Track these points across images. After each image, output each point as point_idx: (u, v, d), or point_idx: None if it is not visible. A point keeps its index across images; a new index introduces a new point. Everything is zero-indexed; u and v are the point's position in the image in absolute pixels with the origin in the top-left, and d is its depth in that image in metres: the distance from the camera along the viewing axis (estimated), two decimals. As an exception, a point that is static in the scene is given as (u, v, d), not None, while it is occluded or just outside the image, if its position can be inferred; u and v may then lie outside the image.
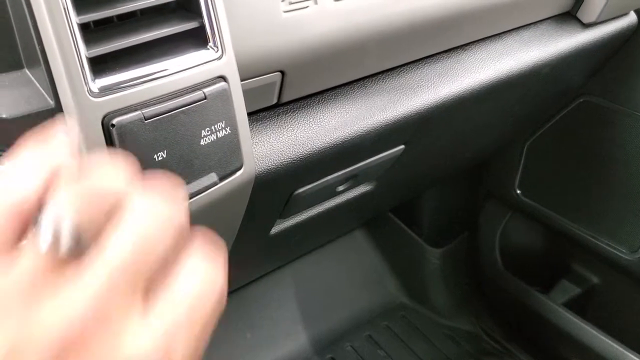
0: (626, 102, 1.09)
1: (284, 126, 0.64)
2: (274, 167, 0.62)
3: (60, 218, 0.25)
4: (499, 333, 1.42)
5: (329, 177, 0.74)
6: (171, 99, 0.45)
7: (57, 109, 0.40)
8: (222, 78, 0.49)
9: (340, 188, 0.81)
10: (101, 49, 0.42)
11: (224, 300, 0.28)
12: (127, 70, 0.43)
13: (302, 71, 0.62)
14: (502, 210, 1.39)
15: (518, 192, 1.30)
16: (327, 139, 0.65)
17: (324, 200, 0.83)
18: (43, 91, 0.40)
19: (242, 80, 0.54)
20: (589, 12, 0.92)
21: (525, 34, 0.87)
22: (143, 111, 0.43)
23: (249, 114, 0.62)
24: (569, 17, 0.93)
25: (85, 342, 0.23)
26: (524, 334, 1.39)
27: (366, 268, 1.50)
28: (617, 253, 1.16)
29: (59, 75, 0.40)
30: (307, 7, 0.58)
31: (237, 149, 0.51)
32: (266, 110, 0.64)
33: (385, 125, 0.70)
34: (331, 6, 0.60)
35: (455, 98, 0.76)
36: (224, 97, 0.49)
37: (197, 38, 0.47)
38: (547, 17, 0.91)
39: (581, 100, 1.15)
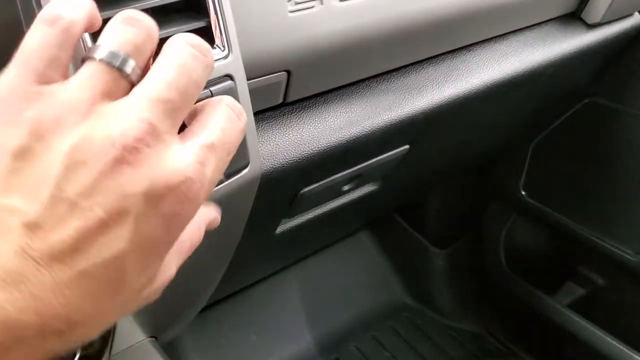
0: (632, 103, 1.09)
1: (289, 125, 0.64)
2: (279, 166, 0.62)
3: (118, 43, 0.29)
4: (504, 334, 1.42)
5: (334, 177, 0.75)
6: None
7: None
8: (229, 77, 0.49)
9: (346, 187, 0.81)
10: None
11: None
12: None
13: (308, 71, 0.62)
14: (507, 212, 1.39)
15: (523, 193, 1.30)
16: (332, 139, 0.66)
17: (329, 200, 0.83)
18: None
19: (248, 80, 0.55)
20: (593, 13, 0.92)
21: (530, 34, 0.88)
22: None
23: (255, 113, 0.62)
24: (574, 18, 0.94)
25: (138, 153, 0.27)
26: (529, 336, 1.39)
27: (371, 269, 1.50)
28: (623, 254, 1.16)
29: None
30: (312, 7, 0.59)
31: (243, 147, 0.51)
32: (272, 110, 0.64)
33: (390, 125, 0.70)
34: (337, 6, 0.60)
35: (460, 98, 0.76)
36: (231, 95, 0.49)
37: (204, 37, 0.48)
38: (551, 17, 0.91)
39: (586, 101, 1.15)
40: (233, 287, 1.20)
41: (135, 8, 0.44)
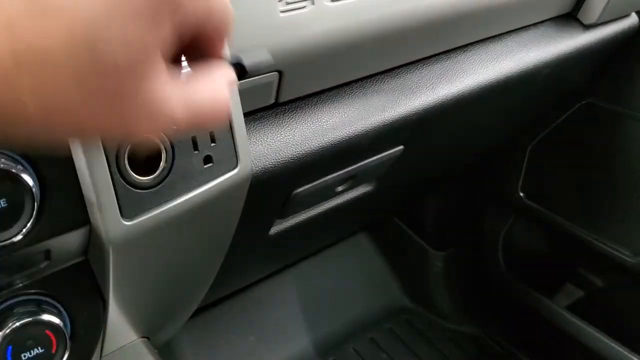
0: (629, 104, 1.09)
1: (282, 126, 0.64)
2: (271, 166, 0.62)
3: None
4: (503, 336, 1.42)
5: (327, 177, 0.75)
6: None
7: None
8: (218, 76, 0.49)
9: (340, 188, 0.81)
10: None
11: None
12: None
13: (300, 71, 0.62)
14: (505, 213, 1.39)
15: (521, 194, 1.30)
16: (325, 139, 0.66)
17: (323, 201, 0.83)
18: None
19: (239, 80, 0.55)
20: (589, 14, 0.92)
21: (526, 35, 0.87)
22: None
23: (247, 114, 0.62)
24: (570, 18, 0.93)
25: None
26: (528, 337, 1.38)
27: (369, 271, 1.50)
28: (621, 256, 1.15)
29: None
30: (304, 7, 0.59)
31: (233, 147, 0.51)
32: (264, 110, 0.64)
33: (383, 126, 0.70)
34: (328, 6, 0.60)
35: (453, 99, 0.76)
36: (219, 95, 0.49)
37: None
38: (547, 18, 0.91)
39: (584, 102, 1.14)
40: (230, 288, 1.20)
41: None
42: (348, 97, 0.69)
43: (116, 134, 0.28)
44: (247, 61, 0.46)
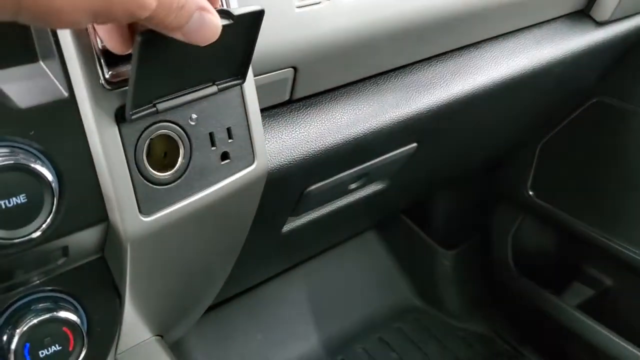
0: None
1: (296, 123, 0.64)
2: (286, 164, 0.62)
3: None
4: (512, 335, 1.41)
5: (341, 175, 0.74)
6: (184, 93, 0.45)
7: (72, 100, 0.41)
8: (235, 72, 0.48)
9: (353, 186, 0.80)
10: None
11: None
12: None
13: (315, 67, 0.62)
14: (514, 212, 1.38)
15: (531, 193, 1.29)
16: (339, 136, 0.65)
17: (336, 198, 0.83)
18: (57, 83, 0.41)
19: (255, 76, 0.55)
20: (602, 11, 0.92)
21: (539, 32, 0.87)
22: (156, 103, 0.43)
23: (262, 110, 0.62)
24: (582, 15, 0.93)
25: None
26: (537, 336, 1.38)
27: (378, 270, 1.49)
28: (631, 255, 1.15)
29: (73, 67, 0.40)
30: (319, 2, 0.58)
31: (250, 144, 0.51)
32: (278, 107, 0.64)
33: (397, 123, 0.70)
34: (344, 3, 0.60)
35: (467, 96, 0.75)
36: (237, 91, 0.49)
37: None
38: (560, 15, 0.90)
39: (594, 100, 1.14)
40: (240, 287, 1.19)
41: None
42: (362, 94, 0.69)
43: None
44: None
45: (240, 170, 0.51)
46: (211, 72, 0.45)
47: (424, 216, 1.46)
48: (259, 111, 0.52)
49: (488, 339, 1.42)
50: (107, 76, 0.41)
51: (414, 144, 0.80)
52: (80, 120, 0.41)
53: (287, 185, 0.67)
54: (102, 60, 0.41)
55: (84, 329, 0.49)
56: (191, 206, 0.48)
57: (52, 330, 0.46)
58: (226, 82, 0.46)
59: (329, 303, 1.41)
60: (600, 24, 0.93)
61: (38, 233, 0.40)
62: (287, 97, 0.63)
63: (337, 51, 0.62)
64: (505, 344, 1.40)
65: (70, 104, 0.41)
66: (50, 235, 0.41)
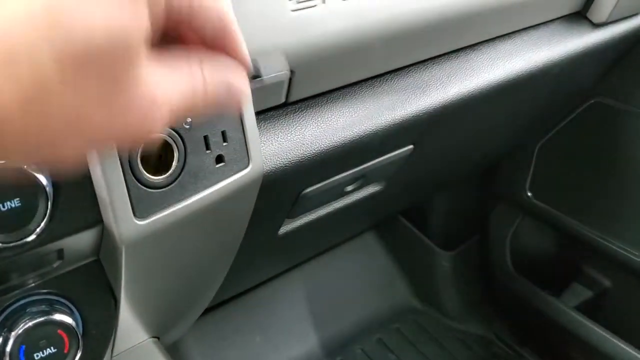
0: (638, 104, 1.08)
1: (292, 125, 0.64)
2: (281, 166, 0.62)
3: None
4: (511, 337, 1.41)
5: (337, 177, 0.74)
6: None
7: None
8: (230, 76, 0.49)
9: (349, 188, 0.81)
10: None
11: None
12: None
13: (310, 70, 0.62)
14: (513, 213, 1.38)
15: (529, 194, 1.29)
16: (335, 139, 0.66)
17: (332, 200, 0.83)
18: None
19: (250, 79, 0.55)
20: (599, 12, 0.92)
21: (535, 34, 0.87)
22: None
23: (257, 113, 0.62)
24: (579, 17, 0.93)
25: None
26: (536, 338, 1.38)
27: (377, 271, 1.50)
28: (630, 256, 1.15)
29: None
30: (315, 5, 0.59)
31: (245, 147, 0.51)
32: (274, 110, 0.64)
33: (393, 125, 0.70)
34: (339, 5, 0.60)
35: (463, 98, 0.76)
36: (231, 94, 0.49)
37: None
38: (557, 17, 0.90)
39: (592, 101, 1.14)
40: (237, 288, 1.19)
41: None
42: (358, 97, 0.69)
43: (112, 133, 0.27)
44: (263, 65, 0.46)
45: (235, 173, 0.51)
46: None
47: (423, 217, 1.46)
48: (253, 114, 0.52)
49: (486, 340, 1.42)
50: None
51: (410, 146, 0.80)
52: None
53: (282, 188, 0.67)
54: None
55: (79, 331, 0.49)
56: (186, 209, 0.48)
57: (47, 332, 0.47)
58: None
59: (327, 304, 1.41)
60: (598, 25, 0.93)
61: (33, 236, 0.41)
62: (282, 100, 0.63)
63: (333, 54, 0.62)
64: (503, 345, 1.41)
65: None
66: (45, 238, 0.42)
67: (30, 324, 0.46)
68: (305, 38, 0.59)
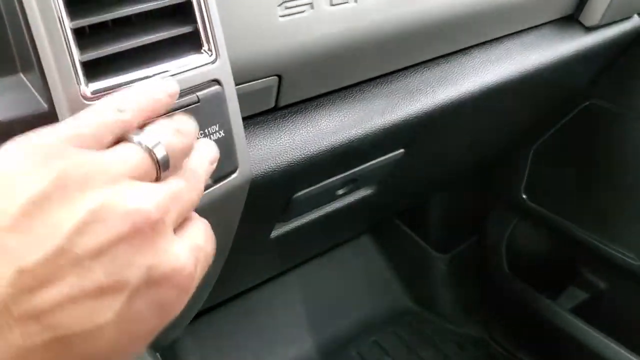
0: (632, 106, 1.08)
1: (281, 129, 0.64)
2: (271, 170, 0.62)
3: (160, 137, 0.33)
4: (506, 339, 1.42)
5: (328, 181, 0.75)
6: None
7: (51, 112, 0.41)
8: (216, 82, 0.49)
9: (340, 192, 0.81)
10: (95, 53, 0.42)
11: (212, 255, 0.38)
12: (121, 74, 0.44)
13: (300, 75, 0.62)
14: (508, 215, 1.39)
15: (524, 196, 1.30)
16: (325, 143, 0.66)
17: (324, 204, 0.83)
18: (37, 95, 0.41)
19: (239, 84, 0.55)
20: (591, 16, 0.92)
21: (527, 37, 0.87)
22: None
23: (247, 118, 0.62)
24: (571, 20, 0.93)
25: (151, 232, 0.29)
26: (532, 340, 1.38)
27: (372, 273, 1.50)
28: (625, 259, 1.15)
29: (52, 80, 0.41)
30: (303, 11, 0.59)
31: (232, 151, 0.51)
32: (264, 114, 0.64)
33: (383, 129, 0.70)
34: (328, 10, 0.60)
35: (454, 103, 0.76)
36: (218, 100, 0.49)
37: (191, 42, 0.48)
38: (548, 20, 0.90)
39: (586, 104, 1.14)
40: (232, 291, 1.20)
41: (126, 13, 0.45)
42: (348, 101, 0.69)
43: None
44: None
45: (222, 178, 0.52)
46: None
47: (419, 220, 1.46)
48: (240, 119, 0.52)
49: (482, 343, 1.42)
50: (86, 88, 0.42)
51: (401, 150, 0.81)
52: (60, 131, 0.42)
53: (273, 192, 0.67)
54: (81, 73, 0.41)
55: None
56: (173, 214, 0.48)
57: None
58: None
59: (323, 307, 1.41)
60: (590, 29, 0.93)
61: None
62: (272, 105, 0.64)
63: (322, 59, 0.62)
64: (499, 347, 1.41)
65: (50, 116, 0.41)
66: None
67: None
68: (294, 44, 0.59)
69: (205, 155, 0.38)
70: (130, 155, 0.31)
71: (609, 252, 1.18)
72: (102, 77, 0.43)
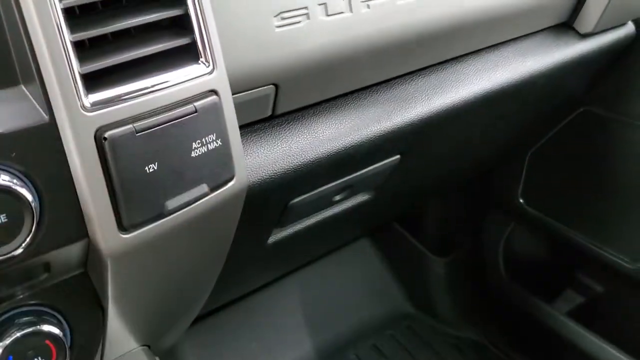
0: (626, 112, 1.09)
1: (278, 137, 0.65)
2: (268, 178, 0.63)
3: None
4: (503, 342, 1.42)
5: (324, 187, 0.75)
6: (162, 112, 0.46)
7: (52, 123, 0.42)
8: (213, 92, 0.50)
9: (337, 198, 0.82)
10: (94, 65, 0.43)
11: None
12: (120, 85, 0.45)
13: (296, 84, 0.63)
14: (505, 220, 1.39)
15: (521, 201, 1.30)
16: (321, 150, 0.67)
17: (321, 210, 0.84)
18: (38, 106, 0.42)
19: (236, 93, 0.56)
20: (586, 23, 0.93)
21: (522, 44, 0.88)
22: (135, 124, 0.44)
23: (244, 126, 0.63)
24: (566, 27, 0.94)
25: None
26: (529, 343, 1.38)
27: (371, 277, 1.50)
28: (621, 262, 1.16)
29: (53, 91, 0.42)
30: (299, 22, 0.60)
31: (229, 160, 0.52)
32: (261, 122, 0.65)
33: (379, 136, 0.71)
34: (323, 21, 0.61)
35: (449, 109, 0.77)
36: (215, 110, 0.50)
37: (189, 53, 0.49)
38: (543, 27, 0.91)
39: (582, 110, 1.15)
40: (230, 296, 1.21)
41: (125, 26, 0.46)
42: (344, 109, 0.70)
43: None
44: None
45: (219, 186, 0.52)
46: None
47: (417, 224, 1.47)
48: (237, 128, 0.53)
49: (480, 346, 1.43)
50: (86, 100, 0.42)
51: (397, 156, 0.81)
52: (61, 142, 0.42)
53: (270, 199, 0.68)
54: (81, 84, 0.42)
55: (67, 341, 0.50)
56: (170, 222, 0.49)
57: (35, 343, 0.48)
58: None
59: (322, 310, 1.42)
60: (584, 36, 0.94)
61: (19, 250, 0.42)
62: (269, 113, 0.64)
63: (318, 68, 0.63)
64: (496, 351, 1.41)
65: (50, 127, 0.42)
66: (31, 252, 0.43)
67: (18, 334, 0.47)
68: (291, 53, 0.60)
69: None
70: None
71: (605, 256, 1.19)
72: (101, 88, 0.44)
